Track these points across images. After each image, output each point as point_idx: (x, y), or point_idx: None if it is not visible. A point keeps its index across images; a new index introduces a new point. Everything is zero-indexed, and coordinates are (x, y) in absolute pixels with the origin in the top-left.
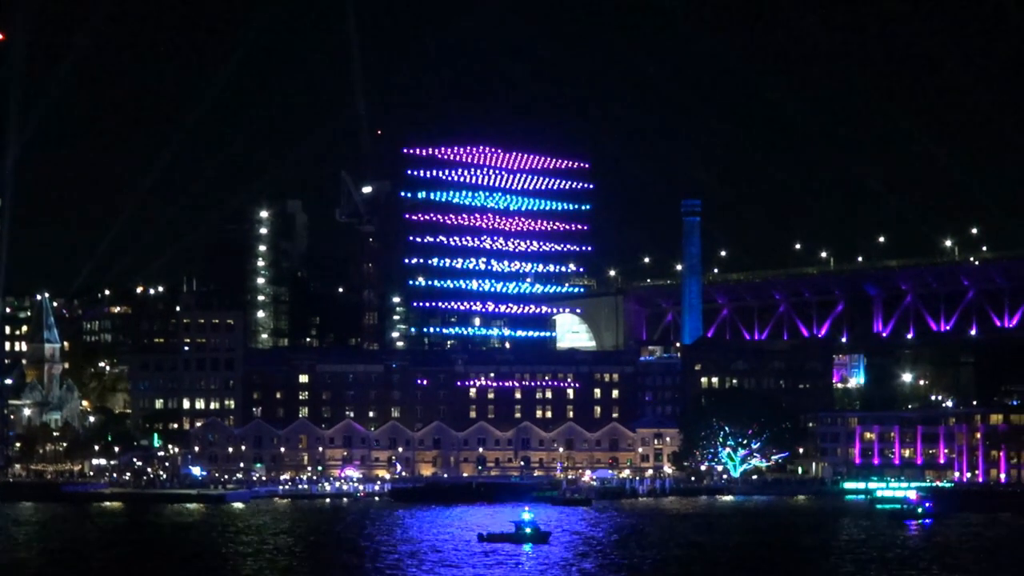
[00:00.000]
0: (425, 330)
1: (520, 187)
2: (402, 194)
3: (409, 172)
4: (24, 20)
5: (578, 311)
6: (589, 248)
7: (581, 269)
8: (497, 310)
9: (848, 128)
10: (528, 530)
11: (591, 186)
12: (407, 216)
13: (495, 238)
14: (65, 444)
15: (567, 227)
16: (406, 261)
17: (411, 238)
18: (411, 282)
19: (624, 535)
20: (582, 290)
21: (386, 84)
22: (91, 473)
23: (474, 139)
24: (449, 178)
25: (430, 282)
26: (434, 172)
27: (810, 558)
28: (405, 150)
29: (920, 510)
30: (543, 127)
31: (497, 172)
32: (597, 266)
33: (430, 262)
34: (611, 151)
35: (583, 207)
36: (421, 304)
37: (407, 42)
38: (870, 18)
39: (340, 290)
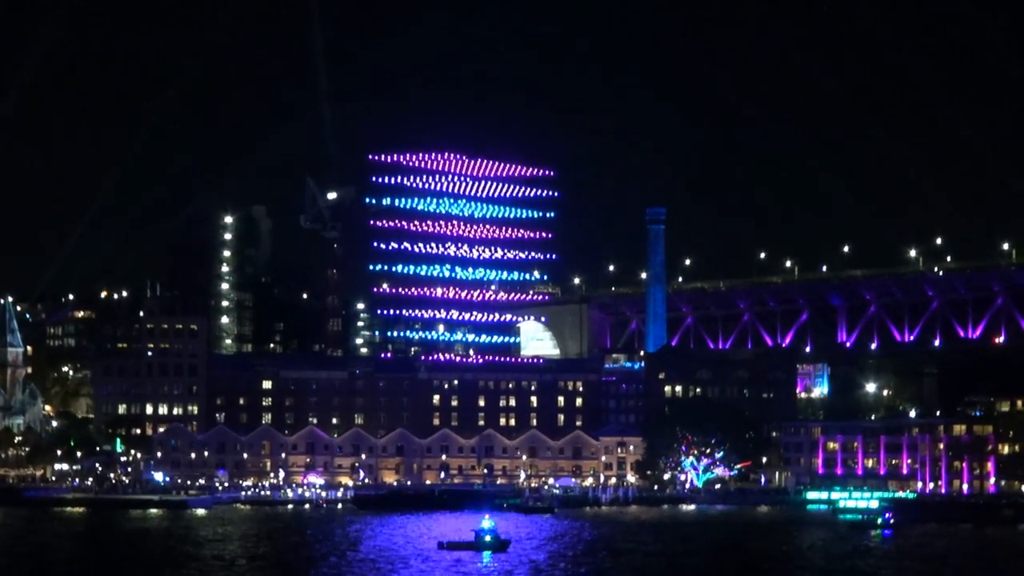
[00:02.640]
0: (389, 335)
1: (485, 194)
2: (366, 200)
3: (373, 178)
4: None
5: (543, 319)
6: (553, 256)
7: (545, 277)
8: (462, 317)
9: (813, 137)
10: (488, 538)
11: (556, 194)
12: (371, 223)
13: (459, 245)
14: (27, 449)
15: (532, 235)
16: (370, 268)
17: (375, 244)
18: (375, 289)
19: (588, 545)
20: (546, 297)
21: (350, 90)
22: (53, 478)
23: (439, 146)
24: (414, 185)
25: (394, 289)
26: (398, 179)
27: (764, 567)
28: (369, 156)
29: (880, 520)
30: (508, 134)
31: (462, 179)
32: (562, 274)
33: (394, 269)
34: (577, 158)
35: (548, 215)
36: (385, 311)
37: (372, 47)
38: (837, 28)
39: (304, 296)
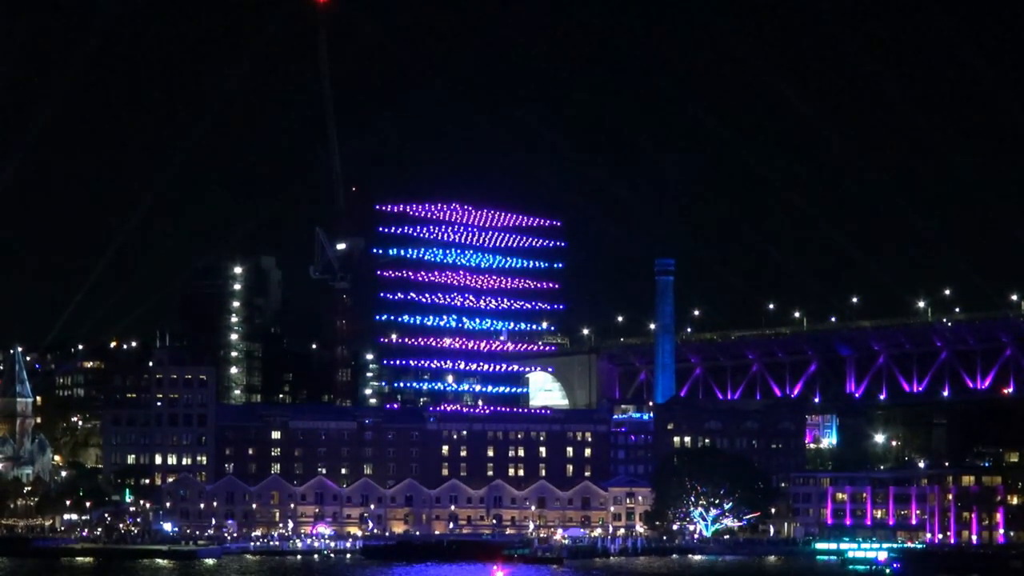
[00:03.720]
0: (397, 385)
1: (492, 245)
2: (373, 250)
3: (380, 229)
4: None
5: (551, 369)
6: (561, 306)
7: (553, 327)
8: (470, 368)
9: (822, 189)
10: None
11: (563, 244)
12: (378, 272)
13: (466, 295)
14: (36, 499)
15: (539, 285)
16: (377, 318)
17: (382, 295)
18: (382, 339)
19: None
20: (553, 348)
21: (360, 141)
22: (62, 528)
23: (446, 196)
24: (420, 235)
25: (403, 339)
26: (405, 229)
27: None
28: (377, 206)
29: (888, 571)
30: (515, 185)
31: (469, 230)
32: (570, 324)
33: (401, 319)
34: (584, 209)
35: (555, 265)
36: (393, 361)
37: (381, 100)
38: (844, 80)
39: (313, 346)
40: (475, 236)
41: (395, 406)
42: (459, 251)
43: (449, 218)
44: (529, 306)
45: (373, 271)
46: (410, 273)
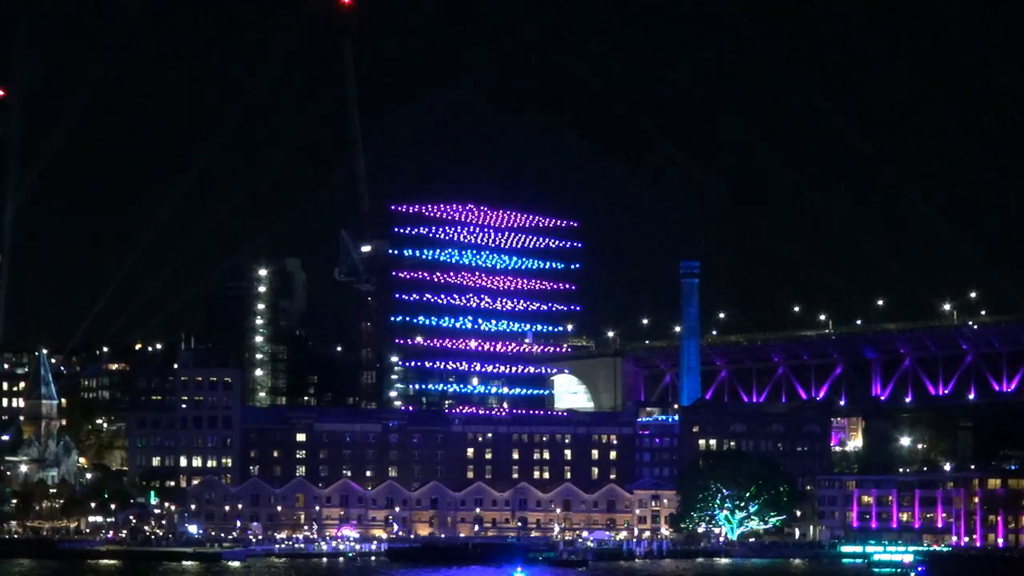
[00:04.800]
0: (421, 388)
1: (508, 245)
2: (390, 251)
3: (396, 230)
4: (25, 78)
5: (566, 370)
6: (577, 307)
7: (570, 328)
8: (496, 370)
9: (845, 190)
10: None
11: (580, 245)
12: (393, 274)
13: (482, 296)
14: (62, 501)
15: (555, 286)
16: (392, 319)
17: (398, 296)
18: (400, 340)
19: None
20: (570, 350)
21: (380, 144)
22: (87, 530)
23: (462, 197)
24: (436, 236)
25: (428, 341)
26: (421, 230)
27: None
28: (392, 207)
29: (913, 574)
30: (532, 185)
31: (485, 230)
32: (595, 327)
33: (416, 320)
34: (605, 209)
35: (572, 266)
36: (418, 363)
37: (401, 101)
38: (868, 85)
39: (339, 349)
40: (491, 237)
41: (419, 409)
42: (475, 252)
43: (465, 219)
44: (545, 307)
45: (389, 272)
46: (426, 274)
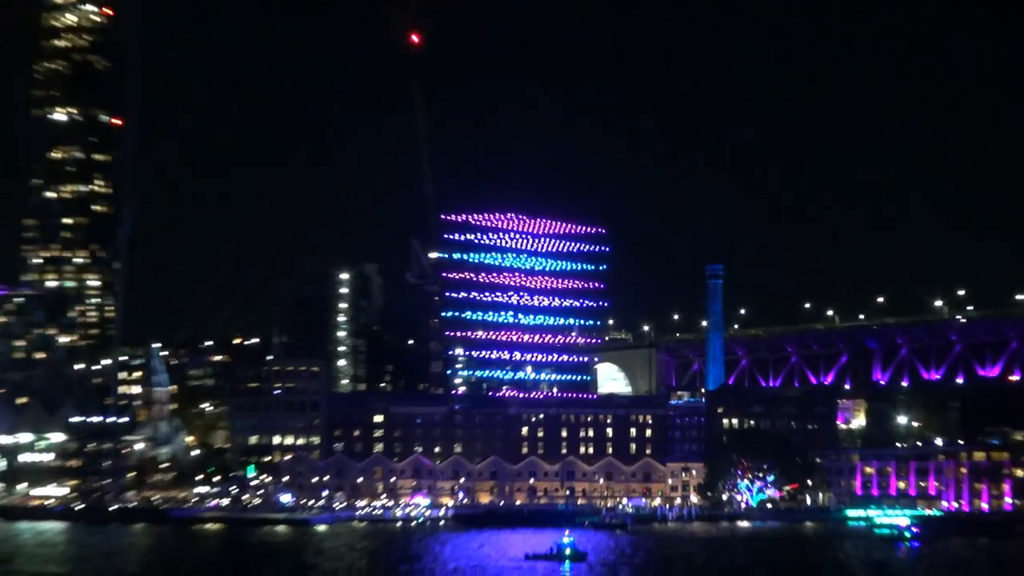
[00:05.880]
0: (481, 374)
1: (544, 249)
2: (440, 255)
3: (445, 236)
4: (136, 107)
5: (596, 359)
6: (606, 304)
7: (610, 323)
8: (546, 359)
9: (852, 198)
10: (568, 551)
11: (607, 249)
12: (443, 274)
13: (520, 294)
14: (172, 474)
15: (585, 285)
16: (443, 314)
17: (447, 293)
18: (450, 332)
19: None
20: (599, 341)
21: (445, 161)
22: (194, 500)
23: (505, 206)
24: (481, 241)
25: (487, 334)
26: (468, 236)
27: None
28: (442, 216)
29: (907, 534)
30: (564, 195)
31: (523, 236)
32: (632, 323)
33: (463, 315)
34: (631, 216)
35: (600, 267)
36: (478, 353)
37: (460, 120)
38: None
39: (410, 342)
40: (529, 242)
41: (474, 393)
42: (515, 255)
43: (506, 226)
44: (577, 304)
45: (456, 277)
46: (472, 275)
